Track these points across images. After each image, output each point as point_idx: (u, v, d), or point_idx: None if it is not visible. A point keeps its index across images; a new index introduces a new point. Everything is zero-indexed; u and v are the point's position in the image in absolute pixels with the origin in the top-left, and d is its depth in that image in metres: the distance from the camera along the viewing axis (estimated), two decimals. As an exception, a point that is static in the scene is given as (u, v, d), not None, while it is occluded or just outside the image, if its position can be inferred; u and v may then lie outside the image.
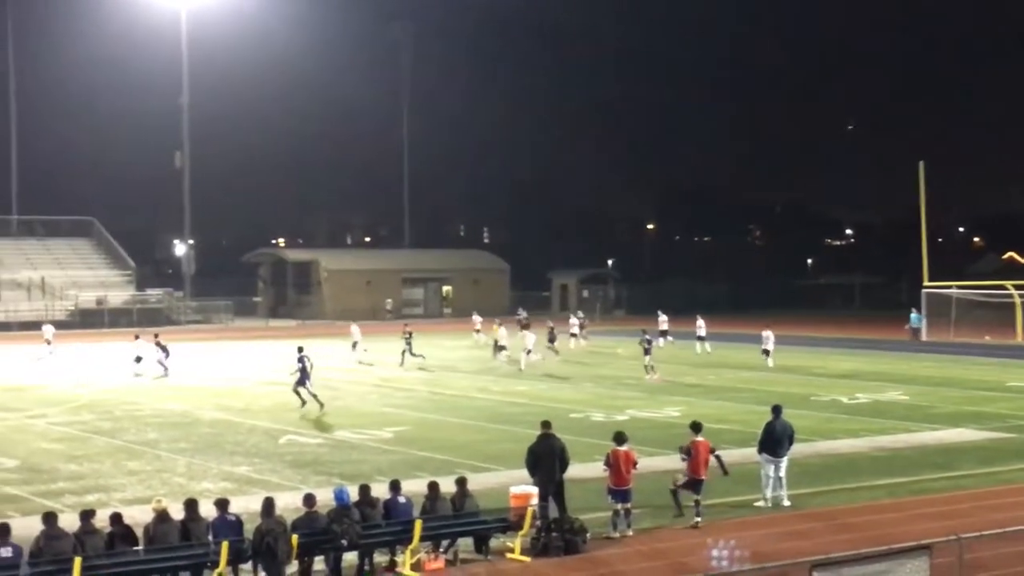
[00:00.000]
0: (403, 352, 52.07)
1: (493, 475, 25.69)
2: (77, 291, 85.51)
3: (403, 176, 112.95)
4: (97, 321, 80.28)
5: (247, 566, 17.90)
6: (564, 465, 21.35)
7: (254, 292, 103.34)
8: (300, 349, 38.94)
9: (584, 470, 24.03)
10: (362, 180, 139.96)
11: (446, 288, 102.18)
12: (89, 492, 24.45)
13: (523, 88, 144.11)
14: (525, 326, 56.60)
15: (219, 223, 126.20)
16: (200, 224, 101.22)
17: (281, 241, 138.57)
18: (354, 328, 56.48)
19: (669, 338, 60.30)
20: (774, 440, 22.95)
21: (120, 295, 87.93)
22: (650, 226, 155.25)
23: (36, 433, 32.90)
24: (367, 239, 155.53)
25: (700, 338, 57.79)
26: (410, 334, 53.07)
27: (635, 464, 21.13)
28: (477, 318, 66.28)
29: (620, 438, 21.28)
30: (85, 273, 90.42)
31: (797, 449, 24.43)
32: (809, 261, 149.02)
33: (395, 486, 19.60)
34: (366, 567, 18.62)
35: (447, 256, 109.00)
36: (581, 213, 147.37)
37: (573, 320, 63.97)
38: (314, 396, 37.47)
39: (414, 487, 20.99)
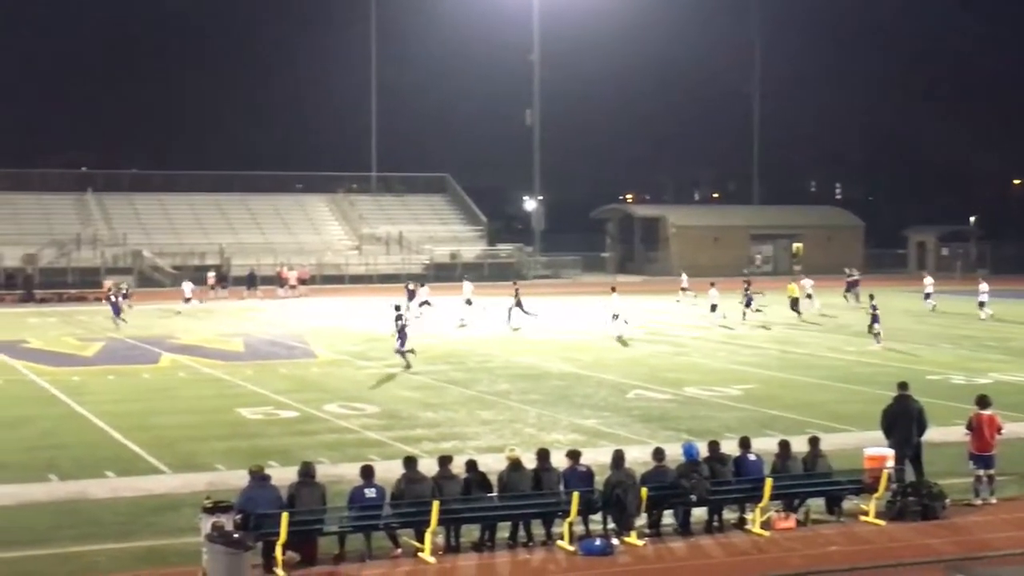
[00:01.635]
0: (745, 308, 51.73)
1: (846, 436, 25.01)
2: (432, 245, 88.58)
3: (753, 131, 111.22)
4: (450, 275, 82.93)
5: (597, 517, 18.06)
6: (922, 428, 20.60)
7: (602, 248, 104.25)
8: (397, 308, 38.69)
9: (943, 434, 23.10)
10: (710, 135, 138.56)
11: (796, 245, 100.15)
12: (445, 439, 25.25)
13: (880, 41, 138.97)
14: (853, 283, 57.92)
15: (568, 179, 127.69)
16: (550, 180, 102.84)
17: (629, 197, 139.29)
18: (713, 292, 53.67)
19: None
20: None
21: (472, 249, 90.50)
22: (1016, 181, 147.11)
23: (396, 381, 34.23)
24: (715, 195, 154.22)
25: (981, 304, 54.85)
26: (749, 287, 52.70)
27: (1000, 429, 20.08)
28: (684, 277, 65.26)
29: (983, 402, 20.28)
30: (439, 228, 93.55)
31: None
32: None
33: (745, 443, 19.34)
34: (715, 523, 18.46)
35: (798, 212, 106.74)
36: (940, 168, 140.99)
37: (928, 280, 61.05)
38: (404, 355, 36.67)
39: (763, 445, 20.65)
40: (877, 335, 42.42)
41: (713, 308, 51.57)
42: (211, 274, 70.10)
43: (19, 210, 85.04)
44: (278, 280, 71.23)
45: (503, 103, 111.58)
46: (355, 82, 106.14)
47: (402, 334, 36.81)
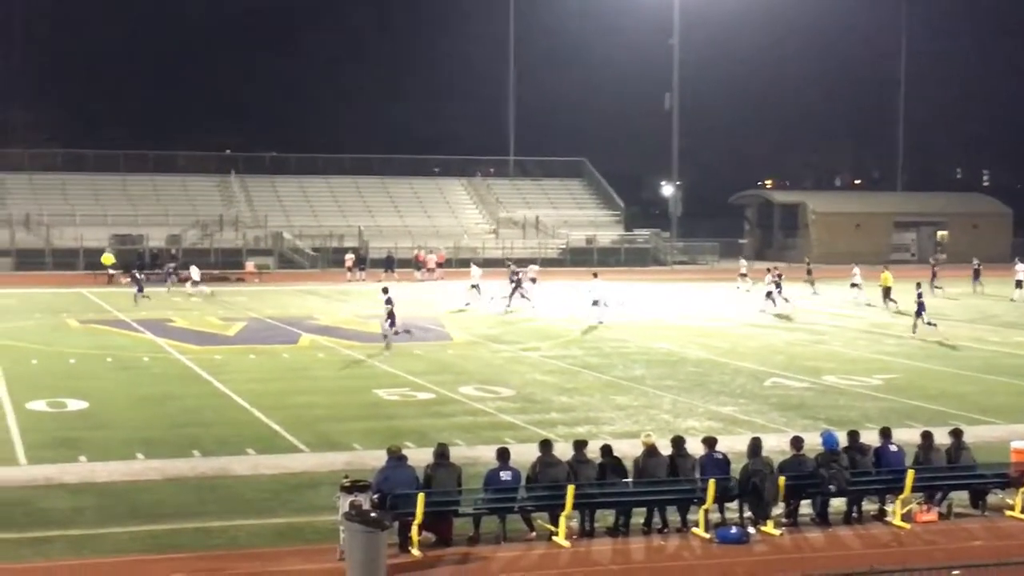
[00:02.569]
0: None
1: (991, 428, 24.46)
2: (568, 230, 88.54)
3: (898, 117, 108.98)
4: (586, 260, 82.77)
5: (733, 505, 17.88)
6: (1072, 422, 20.00)
7: (740, 234, 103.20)
8: (385, 291, 38.78)
9: (1094, 428, 22.40)
10: (852, 121, 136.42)
11: (941, 233, 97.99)
12: (579, 424, 25.23)
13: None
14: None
15: (706, 164, 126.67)
16: (688, 165, 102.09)
17: (768, 183, 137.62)
18: (853, 272, 54.33)
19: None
20: None
21: (608, 235, 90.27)
22: None
23: (531, 365, 34.31)
24: (856, 181, 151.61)
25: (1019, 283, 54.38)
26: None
27: None
28: (743, 262, 64.42)
29: None
30: (576, 212, 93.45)
31: None
32: None
33: (886, 433, 19.00)
34: (854, 514, 18.16)
35: (943, 199, 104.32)
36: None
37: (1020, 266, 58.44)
38: (384, 336, 37.22)
39: (905, 436, 20.28)
40: (918, 325, 41.54)
41: (888, 295, 51.85)
42: (349, 256, 70.96)
43: (164, 192, 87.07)
44: (415, 263, 71.85)
45: (642, 87, 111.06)
46: (493, 66, 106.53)
47: (391, 316, 37.15)
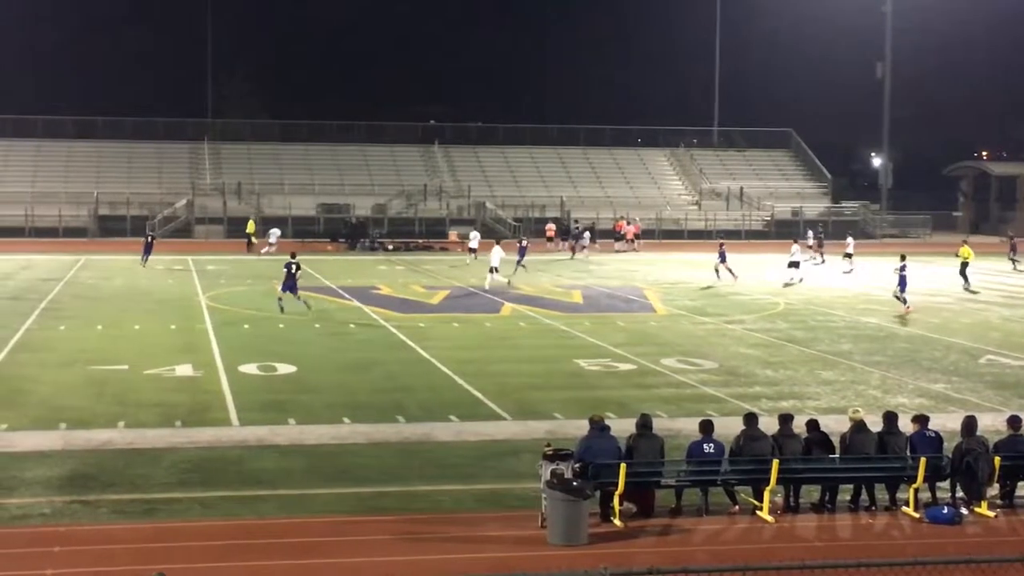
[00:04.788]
0: None
1: None
2: (773, 202, 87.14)
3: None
4: (792, 232, 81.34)
5: (944, 484, 17.33)
6: None
7: (954, 206, 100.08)
8: (293, 255, 38.39)
9: None
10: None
11: None
12: (784, 398, 24.81)
13: None
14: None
15: (919, 135, 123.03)
16: (899, 136, 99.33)
17: (984, 154, 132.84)
18: None
19: None
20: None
21: (815, 206, 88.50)
22: None
23: (734, 338, 33.87)
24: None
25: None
26: None
27: None
28: (811, 234, 62.85)
29: None
30: (782, 184, 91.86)
31: None
32: None
33: (1114, 415, 18.13)
34: (1075, 498, 17.42)
35: None
36: None
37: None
38: (305, 303, 37.42)
39: None
40: (901, 298, 39.56)
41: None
42: (550, 226, 71.08)
43: (371, 162, 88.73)
44: (614, 233, 71.66)
45: (852, 56, 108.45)
46: (699, 35, 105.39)
47: (291, 279, 37.33)
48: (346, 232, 70.64)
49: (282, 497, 17.41)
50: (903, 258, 41.26)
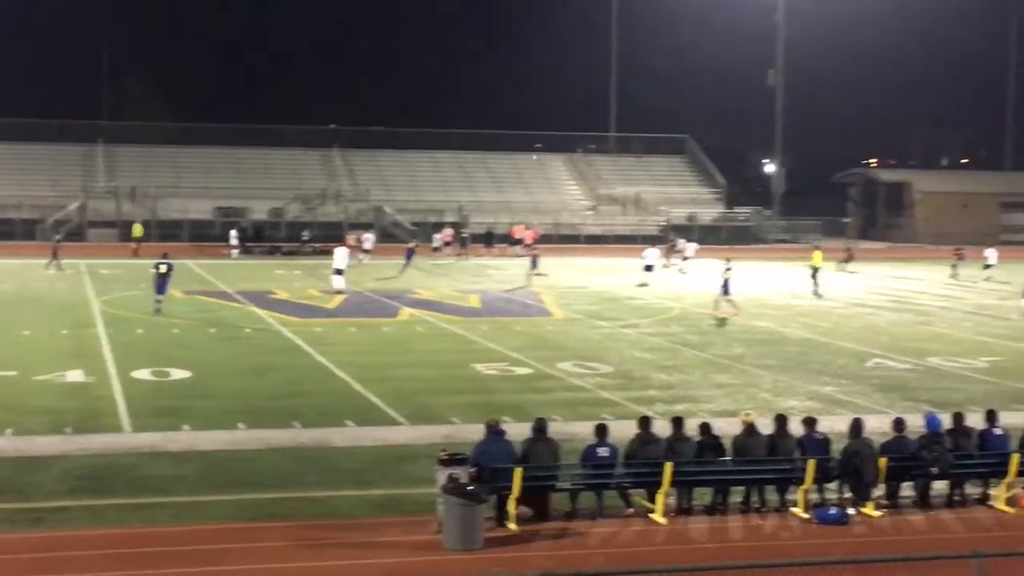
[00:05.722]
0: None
1: (1100, 413, 23.86)
2: (668, 207, 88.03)
3: (1006, 94, 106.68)
4: (687, 237, 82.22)
5: (833, 485, 17.70)
6: None
7: (843, 212, 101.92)
8: (164, 255, 39.26)
9: None
10: (960, 98, 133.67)
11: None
12: (678, 401, 25.11)
13: None
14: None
15: (810, 142, 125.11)
16: (791, 143, 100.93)
17: (873, 161, 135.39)
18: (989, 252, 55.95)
19: None
20: None
21: (709, 212, 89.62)
22: None
23: (629, 342, 34.20)
24: (964, 160, 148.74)
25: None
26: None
27: None
28: (682, 243, 63.77)
29: None
30: (677, 190, 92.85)
31: None
32: None
33: (991, 416, 18.66)
34: (956, 497, 17.87)
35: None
36: None
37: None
38: (158, 302, 38.15)
39: (1011, 420, 19.97)
40: (723, 303, 40.61)
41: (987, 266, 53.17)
42: (447, 231, 71.09)
43: (270, 165, 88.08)
44: (510, 239, 71.89)
45: (745, 63, 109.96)
46: (596, 42, 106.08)
47: (161, 284, 38.30)
48: (239, 236, 70.20)
49: (175, 504, 17.26)
50: (728, 261, 42.28)
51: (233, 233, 69.11)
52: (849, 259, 61.04)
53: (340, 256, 46.86)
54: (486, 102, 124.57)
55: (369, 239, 63.20)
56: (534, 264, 52.52)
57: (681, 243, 63.02)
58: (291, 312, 39.69)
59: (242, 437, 21.39)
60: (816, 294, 47.66)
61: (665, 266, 57.39)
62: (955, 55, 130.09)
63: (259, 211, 79.92)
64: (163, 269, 38.67)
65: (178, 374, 27.49)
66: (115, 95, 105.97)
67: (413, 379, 27.38)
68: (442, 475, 15.94)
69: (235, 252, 67.08)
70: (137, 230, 67.83)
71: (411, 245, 52.85)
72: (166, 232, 74.68)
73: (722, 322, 38.75)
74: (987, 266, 56.04)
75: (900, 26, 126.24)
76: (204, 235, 75.08)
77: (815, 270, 49.12)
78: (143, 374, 27.33)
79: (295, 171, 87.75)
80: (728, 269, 41.31)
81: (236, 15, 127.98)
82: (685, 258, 59.81)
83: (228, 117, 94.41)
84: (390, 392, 25.52)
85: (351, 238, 66.92)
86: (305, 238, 69.34)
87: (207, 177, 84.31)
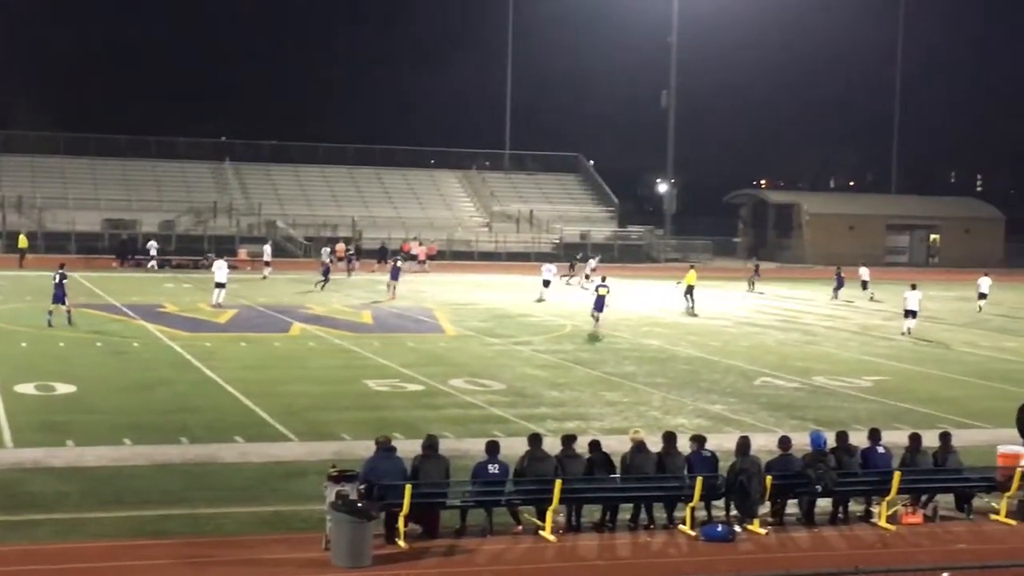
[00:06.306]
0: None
1: (978, 432, 24.46)
2: (562, 225, 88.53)
3: (892, 119, 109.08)
4: (592, 255, 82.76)
5: (720, 503, 17.89)
6: (1060, 427, 20.04)
7: (734, 233, 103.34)
8: (61, 266, 39.58)
9: (1082, 435, 22.40)
10: (848, 123, 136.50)
11: (933, 236, 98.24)
12: (569, 419, 25.22)
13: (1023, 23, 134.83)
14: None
15: (702, 163, 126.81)
16: (683, 163, 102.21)
17: (763, 182, 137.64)
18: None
19: None
20: None
21: (603, 230, 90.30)
22: None
23: (522, 359, 34.29)
24: (851, 183, 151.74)
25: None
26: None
27: None
28: (592, 263, 64.56)
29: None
30: (571, 208, 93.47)
31: None
32: None
33: (874, 435, 18.99)
34: (840, 514, 18.17)
35: (936, 203, 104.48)
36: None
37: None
38: (68, 312, 38.24)
39: (893, 438, 20.25)
40: (594, 316, 41.47)
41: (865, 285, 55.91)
42: (339, 246, 70.76)
43: (163, 178, 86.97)
44: (403, 254, 71.70)
45: (639, 84, 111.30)
46: (491, 59, 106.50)
47: (60, 295, 38.08)
48: (117, 248, 69.35)
49: (58, 521, 16.93)
50: (604, 279, 43.33)
51: (152, 244, 68.26)
52: (755, 277, 61.86)
53: (220, 270, 46.47)
54: (380, 118, 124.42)
55: (267, 251, 63.25)
56: (394, 276, 53.01)
57: (592, 262, 63.37)
58: (180, 326, 39.19)
59: (128, 453, 21.06)
60: (690, 312, 48.29)
61: (583, 287, 57.57)
62: (844, 80, 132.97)
63: (149, 224, 78.82)
64: (57, 279, 38.18)
65: (63, 389, 26.98)
66: (1, 104, 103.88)
67: (304, 395, 27.17)
68: (331, 492, 15.84)
69: (153, 264, 66.06)
70: (23, 241, 66.57)
71: (327, 262, 53.53)
72: (52, 244, 73.37)
73: (594, 339, 39.11)
74: (864, 283, 58.85)
75: (791, 52, 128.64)
76: (92, 247, 73.86)
77: (690, 289, 49.90)
78: (27, 388, 26.78)
79: (186, 184, 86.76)
80: (601, 286, 41.88)
81: (127, 25, 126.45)
82: (586, 275, 60.61)
83: (118, 128, 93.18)
84: (280, 408, 25.31)
85: (243, 252, 66.74)
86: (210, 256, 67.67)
87: (96, 189, 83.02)
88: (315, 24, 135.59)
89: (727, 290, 60.89)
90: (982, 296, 53.45)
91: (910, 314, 42.51)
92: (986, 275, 54.73)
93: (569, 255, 69.95)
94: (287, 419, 24.16)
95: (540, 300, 51.41)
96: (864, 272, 59.94)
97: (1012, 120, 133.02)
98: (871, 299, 56.02)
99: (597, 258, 66.81)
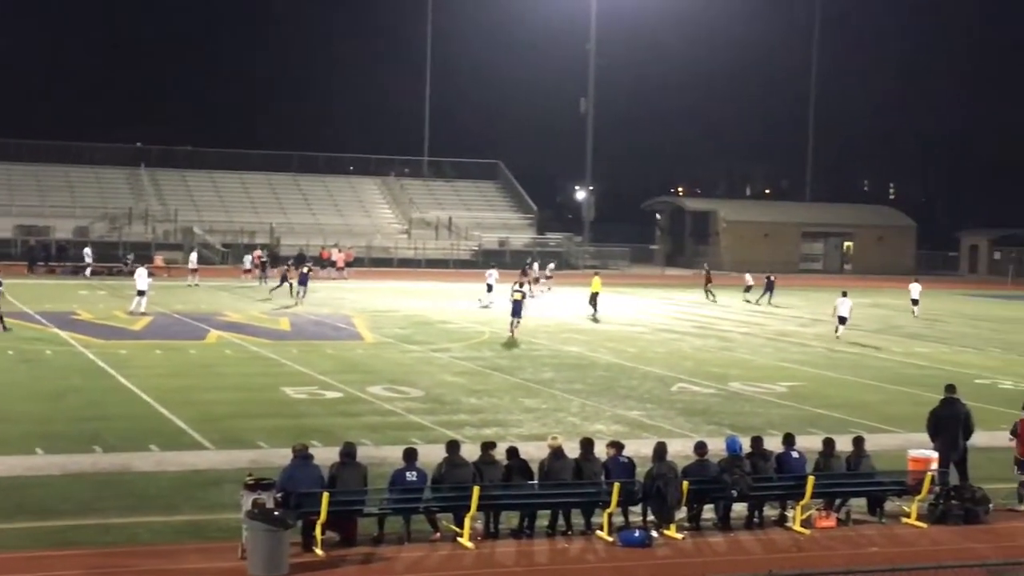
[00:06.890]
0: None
1: (890, 437, 24.82)
2: (481, 232, 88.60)
3: (808, 128, 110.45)
4: (499, 262, 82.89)
5: (637, 508, 17.98)
6: (968, 432, 20.40)
7: (652, 240, 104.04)
8: None
9: (989, 439, 22.85)
10: (764, 131, 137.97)
11: (847, 244, 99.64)
12: (487, 425, 25.24)
13: (937, 36, 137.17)
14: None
15: (620, 170, 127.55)
16: (601, 170, 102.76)
17: (680, 190, 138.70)
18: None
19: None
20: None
21: (521, 237, 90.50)
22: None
23: (440, 366, 34.26)
24: (767, 191, 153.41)
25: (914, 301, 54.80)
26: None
27: (1047, 436, 19.84)
28: (536, 267, 66.17)
29: (1031, 407, 20.06)
30: (489, 215, 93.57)
31: None
32: None
33: (789, 440, 19.21)
34: (755, 519, 18.35)
35: (850, 211, 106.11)
36: (998, 170, 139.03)
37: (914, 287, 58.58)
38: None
39: (807, 443, 20.50)
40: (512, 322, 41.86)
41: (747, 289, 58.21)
42: (256, 253, 70.17)
43: (74, 183, 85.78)
44: (321, 261, 71.36)
45: (557, 91, 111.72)
46: (409, 66, 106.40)
47: None
48: (27, 254, 68.39)
49: (-33, 532, 16.63)
50: (520, 285, 43.73)
51: (87, 251, 67.36)
52: (708, 281, 62.22)
53: (141, 278, 46.01)
54: (299, 124, 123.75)
55: (194, 259, 62.82)
56: (302, 282, 52.79)
57: (536, 267, 63.68)
58: (94, 333, 38.68)
59: (40, 462, 20.73)
60: (594, 319, 48.63)
61: (531, 295, 57.61)
62: (759, 89, 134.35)
63: (63, 230, 77.74)
64: None
65: (-27, 397, 26.52)
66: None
67: (220, 402, 26.95)
68: (247, 500, 15.72)
69: (88, 271, 65.19)
70: None
71: (305, 271, 53.12)
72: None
73: (512, 345, 39.22)
74: (747, 288, 60.86)
75: (707, 59, 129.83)
76: (5, 254, 72.68)
77: (594, 295, 50.35)
78: (-65, 397, 26.30)
79: (100, 189, 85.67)
80: (517, 291, 42.08)
81: (38, 28, 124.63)
82: (537, 280, 61.30)
83: (30, 133, 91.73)
84: (196, 416, 25.06)
85: (159, 258, 66.03)
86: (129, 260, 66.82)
87: (8, 194, 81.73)
88: (234, 29, 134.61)
89: (643, 297, 61.28)
90: (915, 302, 54.70)
91: (842, 320, 43.38)
92: (916, 281, 56.53)
93: (519, 261, 70.00)
94: (203, 427, 23.93)
95: (485, 306, 51.85)
96: (748, 278, 62.10)
97: (924, 129, 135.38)
98: (745, 301, 58.94)
99: (552, 265, 66.89)
